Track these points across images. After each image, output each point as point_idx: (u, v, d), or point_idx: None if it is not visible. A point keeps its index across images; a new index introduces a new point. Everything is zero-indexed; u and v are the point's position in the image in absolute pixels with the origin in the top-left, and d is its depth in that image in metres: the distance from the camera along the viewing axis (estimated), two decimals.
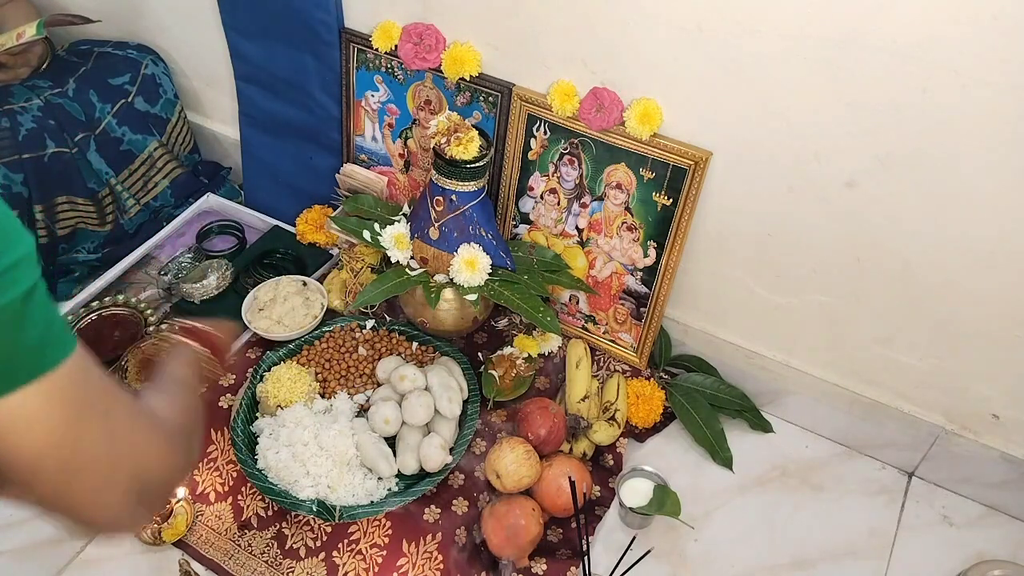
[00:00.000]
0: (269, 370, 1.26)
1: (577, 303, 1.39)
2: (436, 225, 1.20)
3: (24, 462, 0.57)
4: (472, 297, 1.21)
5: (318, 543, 1.14)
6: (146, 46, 1.57)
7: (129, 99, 1.50)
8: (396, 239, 1.24)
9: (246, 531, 1.16)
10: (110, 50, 1.53)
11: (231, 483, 1.20)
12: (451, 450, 1.18)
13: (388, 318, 1.38)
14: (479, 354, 1.34)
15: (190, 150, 1.67)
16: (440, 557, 1.10)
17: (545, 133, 1.24)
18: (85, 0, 1.60)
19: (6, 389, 0.53)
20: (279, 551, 1.14)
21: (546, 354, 1.36)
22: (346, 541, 1.13)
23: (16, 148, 1.33)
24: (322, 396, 1.26)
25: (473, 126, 1.17)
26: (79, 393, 0.58)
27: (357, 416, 1.22)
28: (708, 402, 1.30)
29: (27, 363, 0.54)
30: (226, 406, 1.25)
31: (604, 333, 1.38)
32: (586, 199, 1.27)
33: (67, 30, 1.61)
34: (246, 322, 1.33)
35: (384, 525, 1.13)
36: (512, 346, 1.32)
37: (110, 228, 1.51)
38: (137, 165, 1.53)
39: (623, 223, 1.25)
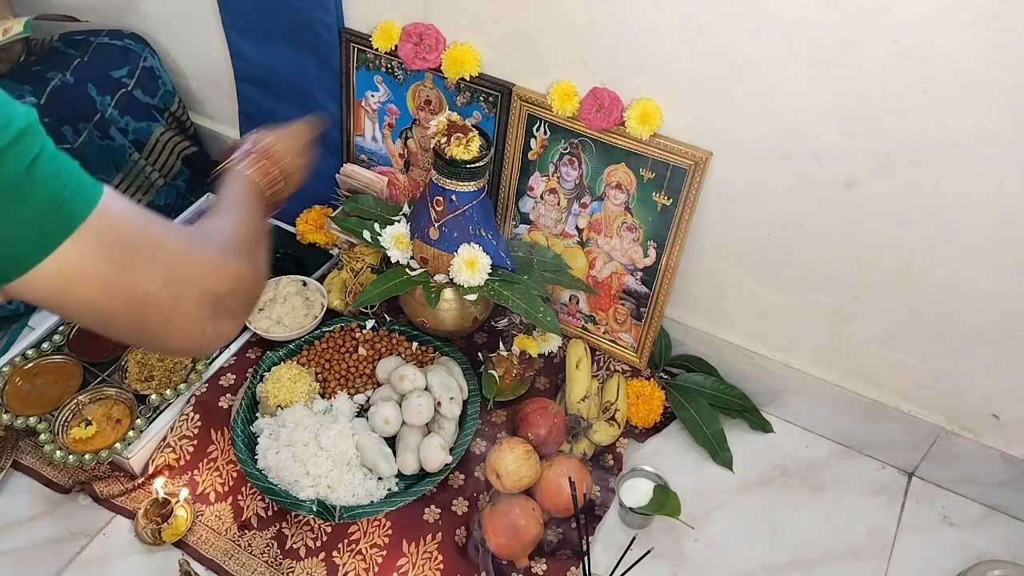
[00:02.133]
0: (269, 370, 1.26)
1: (577, 303, 1.39)
2: (436, 225, 1.20)
3: (90, 314, 0.61)
4: (472, 297, 1.21)
5: (318, 543, 1.14)
6: (140, 35, 1.57)
7: (129, 89, 1.51)
8: (396, 239, 1.24)
9: (246, 531, 1.16)
10: (107, 40, 1.52)
11: (231, 483, 1.20)
12: (451, 450, 1.18)
13: (388, 318, 1.38)
14: (479, 354, 1.34)
15: (193, 133, 1.68)
16: (440, 557, 1.10)
17: (545, 133, 1.24)
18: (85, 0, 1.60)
19: (47, 250, 0.56)
20: (279, 551, 1.14)
21: (546, 354, 1.36)
22: (346, 541, 1.13)
23: None
24: (322, 396, 1.26)
25: (473, 126, 1.17)
26: (117, 237, 0.59)
27: (357, 416, 1.23)
28: (708, 402, 1.30)
29: (55, 222, 0.56)
30: (226, 406, 1.25)
31: (604, 333, 1.38)
32: (586, 199, 1.27)
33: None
34: (246, 322, 1.33)
35: (384, 525, 1.13)
36: (513, 346, 1.32)
37: None
38: (147, 152, 1.54)
39: (623, 223, 1.25)
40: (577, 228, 1.31)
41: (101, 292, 0.59)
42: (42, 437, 1.19)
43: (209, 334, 0.68)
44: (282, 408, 1.20)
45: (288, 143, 0.96)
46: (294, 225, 1.54)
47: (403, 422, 1.19)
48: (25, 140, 0.55)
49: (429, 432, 1.19)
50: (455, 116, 1.18)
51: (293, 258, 1.49)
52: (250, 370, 1.29)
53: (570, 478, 1.11)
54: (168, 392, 1.24)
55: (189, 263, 0.65)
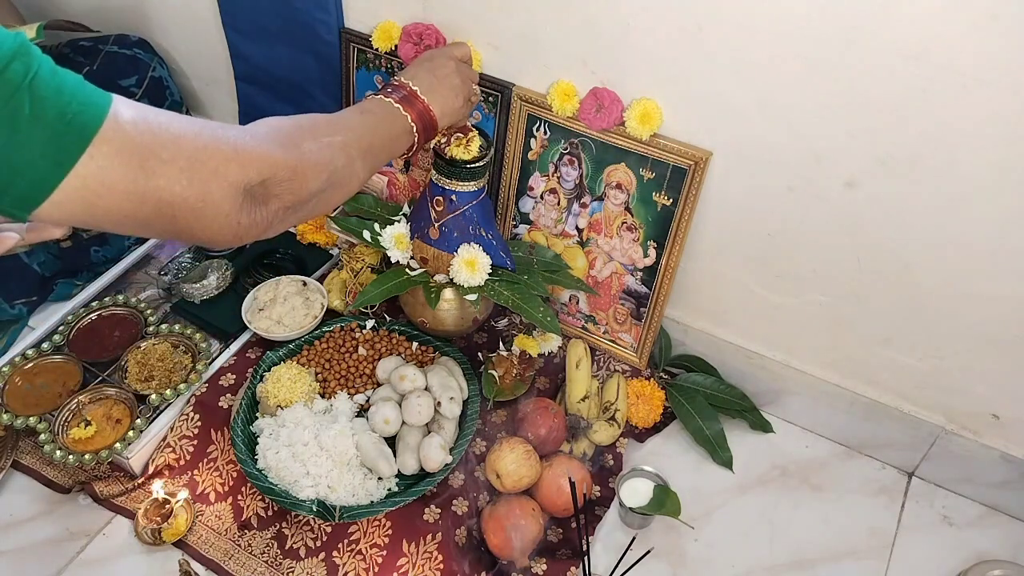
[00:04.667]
0: (269, 370, 1.26)
1: (577, 303, 1.39)
2: (436, 225, 1.20)
3: (124, 221, 0.62)
4: (472, 297, 1.21)
5: (318, 543, 1.14)
6: (148, 42, 1.57)
7: (136, 99, 1.50)
8: (396, 239, 1.24)
9: (246, 531, 1.17)
10: (115, 48, 1.52)
11: (231, 483, 1.20)
12: (451, 450, 1.18)
13: (388, 318, 1.38)
14: (479, 354, 1.34)
15: None
16: (440, 557, 1.10)
17: (545, 133, 1.24)
18: None
19: (66, 167, 0.57)
20: (279, 551, 1.14)
21: (546, 354, 1.36)
22: (346, 541, 1.13)
23: None
24: (322, 396, 1.25)
25: (473, 126, 1.17)
26: (133, 144, 0.60)
27: (357, 416, 1.23)
28: (708, 402, 1.30)
29: (68, 138, 0.56)
30: (226, 406, 1.25)
31: (604, 333, 1.38)
32: (586, 199, 1.27)
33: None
34: (246, 322, 1.33)
35: (384, 525, 1.13)
36: (513, 346, 1.32)
37: None
38: None
39: (623, 223, 1.25)
40: (577, 228, 1.31)
41: (127, 200, 0.60)
42: (42, 437, 1.19)
43: (244, 223, 0.68)
44: (282, 408, 1.20)
45: (427, 79, 1.00)
46: (294, 225, 1.53)
47: (403, 422, 1.19)
48: (20, 60, 0.55)
49: (429, 432, 1.19)
50: None
51: (293, 258, 1.49)
52: (250, 370, 1.30)
53: (570, 478, 1.11)
54: (168, 392, 1.24)
55: (211, 156, 0.65)
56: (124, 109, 0.60)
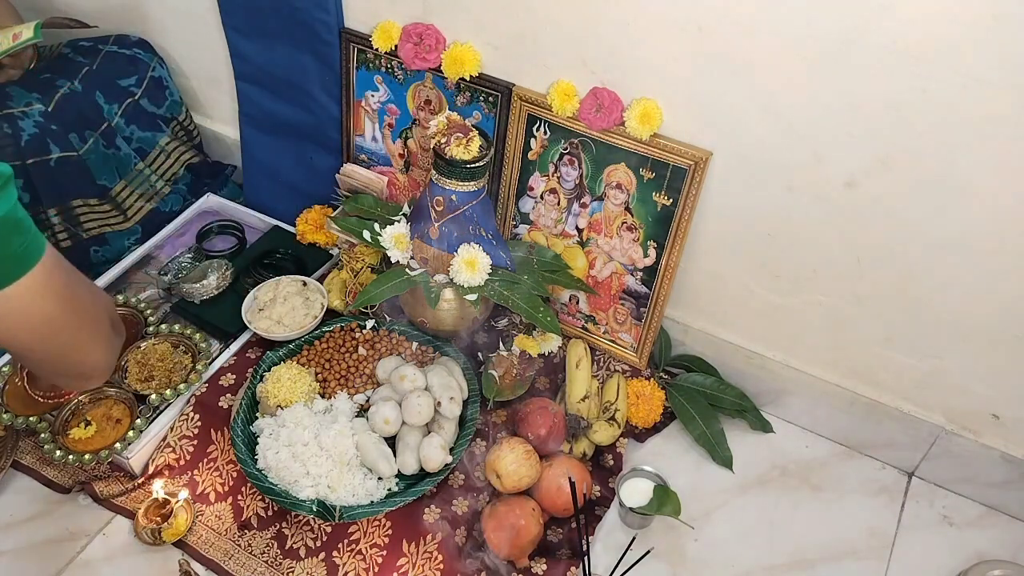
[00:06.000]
0: (269, 370, 1.26)
1: (577, 303, 1.39)
2: (436, 225, 1.20)
3: (41, 329, 0.78)
4: (472, 297, 1.21)
5: (318, 543, 1.14)
6: (148, 42, 1.57)
7: (135, 98, 1.51)
8: (396, 239, 1.24)
9: (246, 531, 1.16)
10: (115, 48, 1.52)
11: (231, 483, 1.20)
12: (451, 450, 1.18)
13: (388, 318, 1.38)
14: (479, 354, 1.34)
15: (199, 143, 1.68)
16: (440, 557, 1.10)
17: (545, 133, 1.24)
18: None
19: (8, 282, 0.72)
20: (279, 551, 1.14)
21: (546, 354, 1.36)
22: (346, 541, 1.13)
23: (19, 153, 1.33)
24: (322, 396, 1.25)
25: (473, 126, 1.17)
26: (61, 272, 0.79)
27: (357, 416, 1.22)
28: (708, 402, 1.30)
29: (19, 261, 0.73)
30: (226, 406, 1.25)
31: (604, 333, 1.38)
32: (586, 199, 1.27)
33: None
34: (246, 322, 1.33)
35: (384, 525, 1.13)
36: (513, 346, 1.32)
37: (140, 219, 1.53)
38: (150, 160, 1.55)
39: (623, 223, 1.25)
40: (577, 228, 1.31)
41: (52, 310, 0.77)
42: (42, 437, 1.19)
43: (115, 347, 0.89)
44: (282, 408, 1.20)
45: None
46: (294, 225, 1.54)
47: (403, 422, 1.19)
48: (10, 186, 0.70)
49: (429, 432, 1.19)
50: (455, 116, 1.18)
51: (293, 258, 1.49)
52: (250, 370, 1.29)
53: (570, 478, 1.11)
54: (168, 392, 1.24)
55: (101, 293, 0.90)
56: (53, 251, 0.77)
